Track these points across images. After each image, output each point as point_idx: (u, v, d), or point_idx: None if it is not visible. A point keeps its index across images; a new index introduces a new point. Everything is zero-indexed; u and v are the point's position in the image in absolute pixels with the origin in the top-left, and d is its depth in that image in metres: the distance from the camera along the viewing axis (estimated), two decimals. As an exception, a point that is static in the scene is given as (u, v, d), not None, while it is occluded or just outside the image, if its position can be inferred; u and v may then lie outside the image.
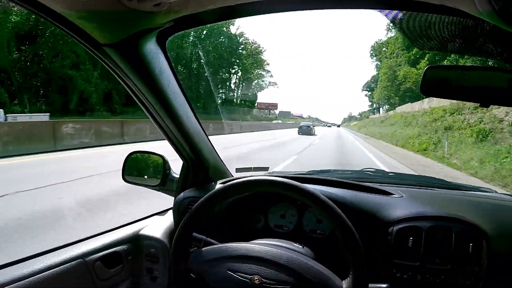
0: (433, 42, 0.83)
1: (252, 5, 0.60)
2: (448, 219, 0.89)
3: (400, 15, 0.66)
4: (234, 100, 44.18)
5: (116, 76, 0.71)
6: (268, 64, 53.43)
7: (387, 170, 1.54)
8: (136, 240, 0.98)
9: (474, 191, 1.24)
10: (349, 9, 0.65)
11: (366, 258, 0.65)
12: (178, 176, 1.07)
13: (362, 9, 0.64)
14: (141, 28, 0.61)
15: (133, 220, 1.03)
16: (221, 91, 40.74)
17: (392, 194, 0.99)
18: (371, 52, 42.98)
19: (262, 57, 48.09)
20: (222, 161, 1.14)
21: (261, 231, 0.99)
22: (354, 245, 0.66)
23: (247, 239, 0.78)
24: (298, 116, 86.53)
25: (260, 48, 46.47)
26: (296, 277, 0.65)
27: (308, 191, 0.69)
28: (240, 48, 42.18)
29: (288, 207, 1.00)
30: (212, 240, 0.79)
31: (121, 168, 1.07)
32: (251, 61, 44.92)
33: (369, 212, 0.92)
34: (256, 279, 0.65)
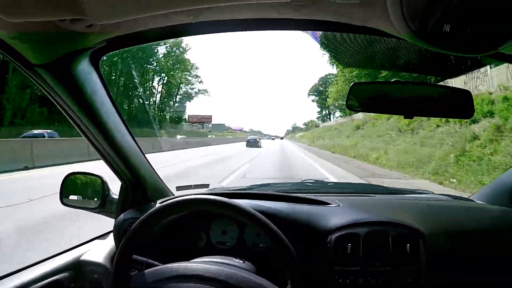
0: (360, 59, 0.95)
1: (183, 27, 0.67)
2: (384, 223, 1.01)
3: (325, 34, 0.75)
4: (154, 112, 39.98)
5: (49, 97, 0.75)
6: (196, 68, 50.63)
7: (327, 181, 1.66)
8: (78, 266, 1.01)
9: (411, 193, 1.43)
10: (276, 30, 0.74)
11: (299, 270, 0.75)
12: (117, 197, 1.12)
13: (288, 30, 0.75)
14: (74, 48, 0.66)
15: (73, 246, 1.08)
16: (135, 100, 36.61)
17: (330, 204, 1.12)
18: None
19: (186, 56, 44.13)
20: (161, 180, 1.21)
21: (204, 249, 1.06)
22: (288, 258, 0.75)
23: (190, 258, 0.84)
24: (238, 130, 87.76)
25: (183, 46, 42.27)
26: None
27: (240, 208, 0.77)
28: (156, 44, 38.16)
29: (228, 223, 1.07)
30: (154, 262, 0.83)
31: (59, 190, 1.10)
32: (172, 60, 41.49)
33: (307, 223, 1.03)
34: None
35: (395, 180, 7.72)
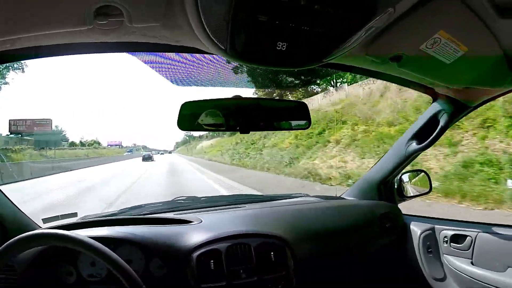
0: (187, 78, 1.06)
1: (4, 53, 0.73)
2: (245, 236, 1.17)
3: (150, 57, 0.81)
4: None
5: None
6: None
7: (200, 196, 1.94)
8: None
9: (286, 198, 1.68)
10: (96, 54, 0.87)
11: None
12: None
13: (109, 53, 0.85)
14: None
15: None
16: None
17: (191, 221, 1.28)
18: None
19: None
20: (23, 213, 1.29)
21: (77, 284, 1.14)
22: (131, 283, 0.86)
23: None
24: (115, 145, 79.04)
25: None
26: None
27: (75, 240, 0.85)
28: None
29: None
30: None
31: None
32: None
33: (168, 244, 1.16)
34: None
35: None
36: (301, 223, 1.30)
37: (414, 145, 1.34)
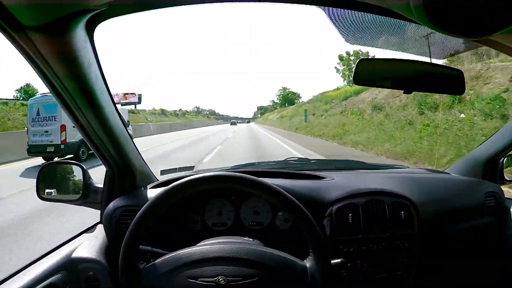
0: (365, 39, 1.11)
1: None
2: (380, 193, 1.24)
3: (337, 12, 0.88)
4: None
5: (34, 66, 0.74)
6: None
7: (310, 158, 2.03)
8: (71, 265, 1.08)
9: (390, 168, 1.73)
10: (287, 3, 0.82)
11: (325, 240, 0.88)
12: (100, 186, 1.22)
13: (302, 4, 0.80)
14: (73, 10, 0.66)
15: (60, 243, 1.13)
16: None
17: (324, 178, 1.35)
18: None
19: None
20: (146, 164, 1.34)
21: (201, 232, 1.21)
22: (314, 232, 0.87)
23: (189, 243, 0.94)
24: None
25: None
26: (260, 267, 0.82)
27: (264, 185, 0.89)
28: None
29: (223, 203, 1.24)
30: (159, 250, 0.92)
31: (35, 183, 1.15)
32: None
33: (308, 197, 1.21)
34: (221, 280, 0.79)
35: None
36: (421, 190, 1.34)
37: None
